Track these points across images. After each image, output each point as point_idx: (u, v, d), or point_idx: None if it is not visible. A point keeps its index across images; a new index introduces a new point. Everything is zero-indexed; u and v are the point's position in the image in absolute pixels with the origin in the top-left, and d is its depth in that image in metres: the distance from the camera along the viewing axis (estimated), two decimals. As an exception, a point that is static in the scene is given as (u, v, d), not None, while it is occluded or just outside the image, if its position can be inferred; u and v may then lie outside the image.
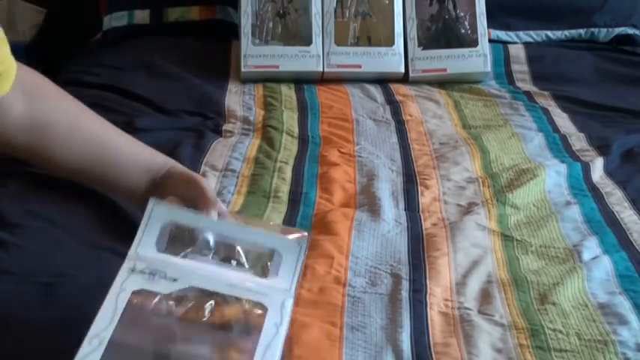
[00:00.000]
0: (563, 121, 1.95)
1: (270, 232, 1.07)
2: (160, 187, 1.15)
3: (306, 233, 1.13)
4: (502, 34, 2.37)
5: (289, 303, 0.96)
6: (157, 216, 1.01)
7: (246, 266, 1.02)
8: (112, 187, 1.21)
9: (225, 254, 1.03)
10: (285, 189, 1.55)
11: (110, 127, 1.18)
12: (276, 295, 0.96)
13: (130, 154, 1.17)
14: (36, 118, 1.10)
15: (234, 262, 1.02)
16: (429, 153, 1.75)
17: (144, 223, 1.00)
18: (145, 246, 0.98)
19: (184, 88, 2.03)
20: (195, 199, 1.10)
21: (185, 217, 1.04)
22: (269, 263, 1.02)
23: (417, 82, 2.17)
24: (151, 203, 1.02)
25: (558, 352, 1.11)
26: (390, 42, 2.20)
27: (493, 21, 2.29)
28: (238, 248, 1.03)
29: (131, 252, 0.97)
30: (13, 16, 2.65)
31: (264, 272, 1.01)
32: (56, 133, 1.12)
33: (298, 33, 2.19)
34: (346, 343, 1.11)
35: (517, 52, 2.32)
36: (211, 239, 1.02)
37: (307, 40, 2.18)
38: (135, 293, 0.93)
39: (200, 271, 0.97)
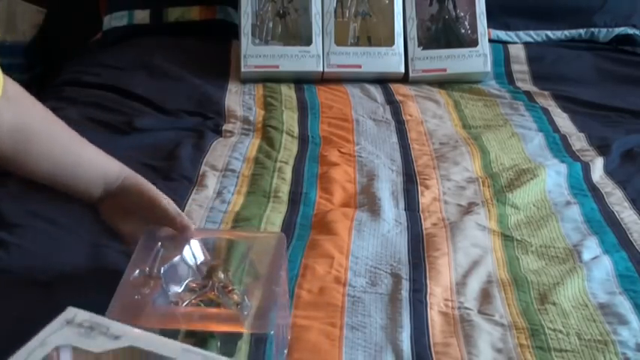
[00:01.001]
0: (563, 121, 1.94)
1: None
2: (116, 199, 1.17)
3: (283, 235, 1.13)
4: (502, 34, 2.37)
5: None
6: None
7: None
8: (71, 191, 1.21)
9: None
10: (285, 189, 1.55)
11: (73, 133, 1.19)
12: None
13: (90, 160, 1.19)
14: (21, 125, 1.11)
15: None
16: (429, 153, 1.75)
17: None
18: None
19: (184, 88, 2.03)
20: (159, 221, 1.13)
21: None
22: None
23: (417, 82, 2.17)
24: None
25: (558, 352, 1.11)
26: (390, 42, 2.20)
27: (493, 21, 2.29)
28: None
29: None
30: (13, 16, 2.65)
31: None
32: (36, 139, 1.13)
33: (298, 33, 2.19)
34: (346, 342, 1.11)
35: (517, 52, 2.32)
36: None
37: (307, 40, 2.18)
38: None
39: (152, 337, 0.83)
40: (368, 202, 1.51)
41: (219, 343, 0.96)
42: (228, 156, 1.68)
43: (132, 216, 1.17)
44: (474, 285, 1.27)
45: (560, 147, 1.79)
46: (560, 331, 1.15)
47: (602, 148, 1.76)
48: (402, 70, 2.19)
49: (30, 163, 1.14)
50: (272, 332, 0.94)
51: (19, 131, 1.11)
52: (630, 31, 2.38)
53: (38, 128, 1.14)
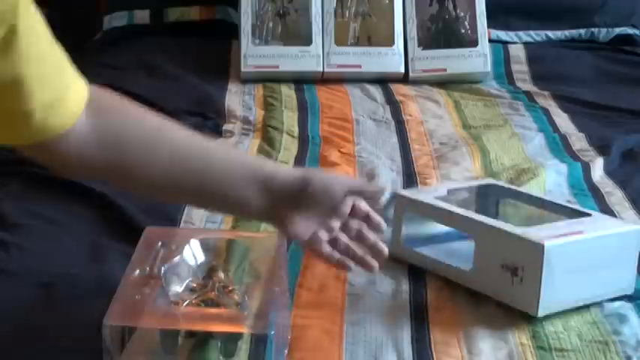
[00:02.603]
0: (563, 121, 1.94)
1: None
2: (287, 202, 1.04)
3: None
4: (502, 34, 2.37)
5: None
6: None
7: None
8: (219, 205, 1.09)
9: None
10: (285, 189, 1.55)
11: (198, 138, 1.05)
12: None
13: (228, 162, 1.04)
14: (104, 136, 0.98)
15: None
16: (429, 153, 1.75)
17: None
18: None
19: (184, 88, 2.03)
20: (330, 212, 1.04)
21: None
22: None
23: (417, 82, 2.17)
24: None
25: (559, 351, 1.11)
26: (390, 42, 2.20)
27: (493, 21, 2.29)
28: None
29: None
30: (13, 16, 2.65)
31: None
32: (133, 148, 1.00)
33: (298, 33, 2.19)
34: (346, 340, 1.11)
35: (517, 52, 2.32)
36: None
37: (307, 40, 2.18)
38: None
39: None
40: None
41: (219, 343, 0.96)
42: (228, 156, 1.68)
43: (305, 211, 1.05)
44: (475, 285, 1.26)
45: (560, 147, 1.79)
46: (561, 331, 1.15)
47: (602, 148, 1.76)
48: (402, 70, 2.19)
49: (134, 175, 1.01)
50: (272, 332, 0.94)
51: (104, 143, 0.97)
52: (630, 31, 2.38)
53: (134, 137, 1.00)
